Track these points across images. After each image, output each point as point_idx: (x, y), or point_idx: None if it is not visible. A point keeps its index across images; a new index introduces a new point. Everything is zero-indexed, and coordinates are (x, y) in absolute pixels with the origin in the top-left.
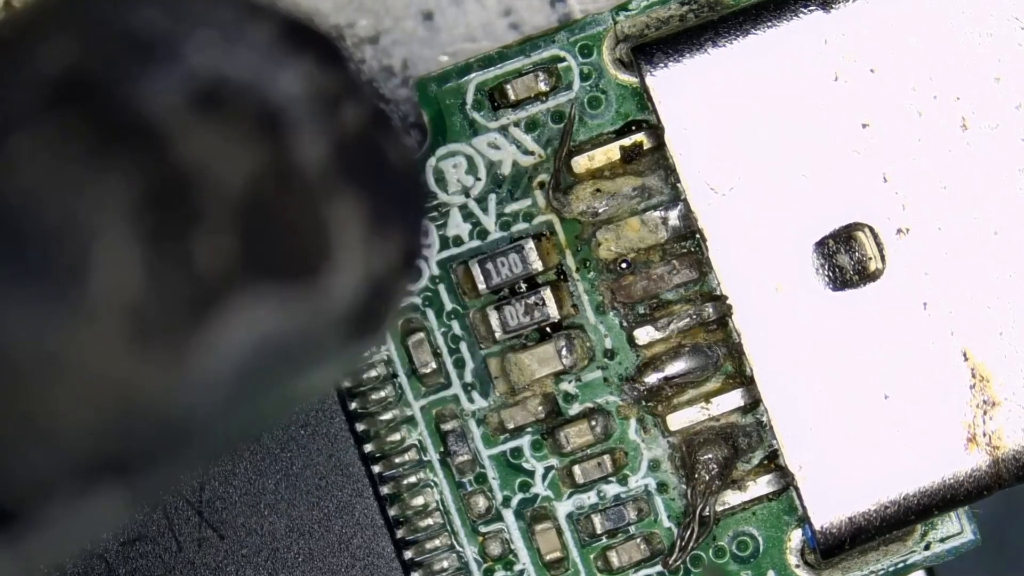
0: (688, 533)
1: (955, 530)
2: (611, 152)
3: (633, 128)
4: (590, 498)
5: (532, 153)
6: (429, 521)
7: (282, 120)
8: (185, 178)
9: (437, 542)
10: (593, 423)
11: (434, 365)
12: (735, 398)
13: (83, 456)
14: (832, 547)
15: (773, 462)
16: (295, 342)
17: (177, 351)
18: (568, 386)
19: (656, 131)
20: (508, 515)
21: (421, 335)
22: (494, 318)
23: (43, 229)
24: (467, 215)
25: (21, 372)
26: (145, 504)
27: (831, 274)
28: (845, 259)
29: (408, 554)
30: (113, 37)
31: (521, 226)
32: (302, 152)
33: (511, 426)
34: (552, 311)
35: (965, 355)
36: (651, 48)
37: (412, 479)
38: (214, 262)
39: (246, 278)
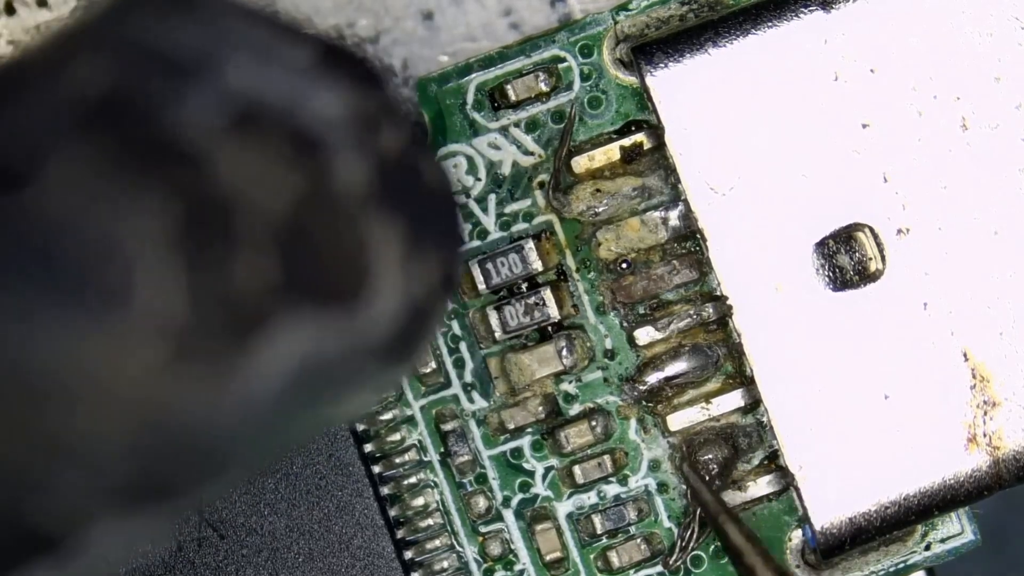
0: (688, 533)
1: (955, 530)
2: (611, 152)
3: (633, 128)
4: (590, 498)
5: (532, 153)
6: (429, 521)
7: (321, 143)
8: (225, 201)
9: (437, 542)
10: (593, 423)
11: (434, 365)
12: (735, 398)
13: (123, 479)
14: (832, 547)
15: (773, 462)
16: (334, 366)
17: (217, 374)
18: (568, 386)
19: (656, 131)
20: (508, 515)
21: None
22: (494, 318)
23: (84, 253)
24: (467, 215)
25: (63, 395)
26: (181, 519)
27: (831, 274)
28: (845, 259)
29: (408, 554)
30: (151, 58)
31: (521, 226)
32: (342, 175)
33: (511, 426)
34: (552, 311)
35: (965, 355)
36: (651, 48)
37: (412, 479)
38: (254, 285)
39: (287, 302)
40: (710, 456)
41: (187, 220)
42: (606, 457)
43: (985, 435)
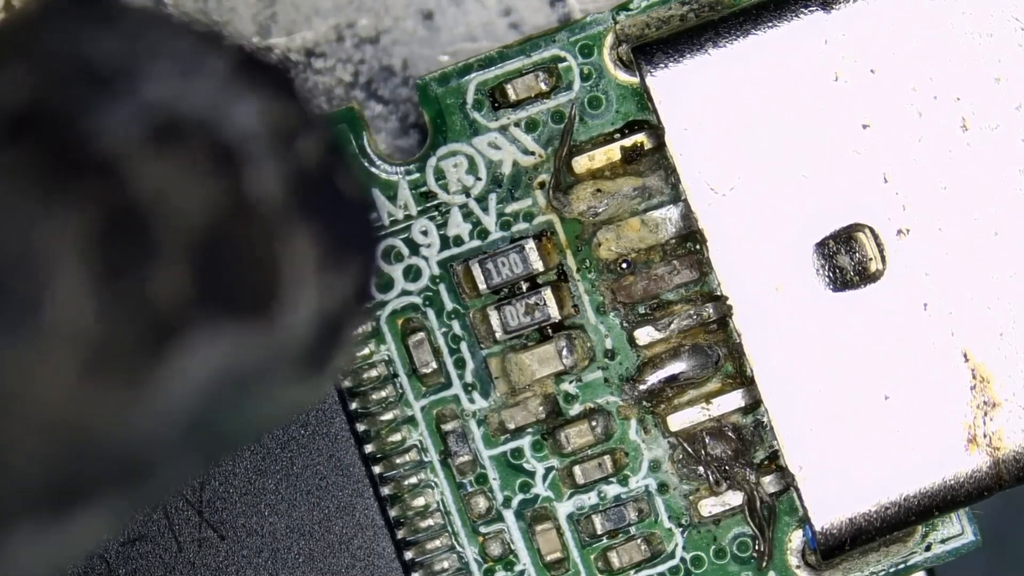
0: (758, 521)
1: (956, 531)
2: (611, 152)
3: (633, 128)
4: (591, 499)
5: (532, 153)
6: (429, 522)
7: (238, 154)
8: (141, 212)
9: (437, 543)
10: (594, 423)
11: (434, 365)
12: (735, 398)
13: (38, 487)
14: (833, 548)
15: (773, 463)
16: (250, 375)
17: (130, 385)
18: (569, 386)
19: (656, 131)
20: (508, 515)
21: (421, 335)
22: (494, 318)
23: None
24: (467, 215)
25: None
26: (120, 524)
27: (831, 275)
28: (845, 260)
29: (408, 555)
30: (70, 69)
31: (521, 226)
32: (257, 187)
33: (512, 426)
34: (553, 311)
35: (965, 356)
36: (651, 48)
37: (413, 480)
38: (169, 296)
39: (201, 312)
40: (719, 450)
41: (102, 232)
42: (606, 457)
43: (985, 436)
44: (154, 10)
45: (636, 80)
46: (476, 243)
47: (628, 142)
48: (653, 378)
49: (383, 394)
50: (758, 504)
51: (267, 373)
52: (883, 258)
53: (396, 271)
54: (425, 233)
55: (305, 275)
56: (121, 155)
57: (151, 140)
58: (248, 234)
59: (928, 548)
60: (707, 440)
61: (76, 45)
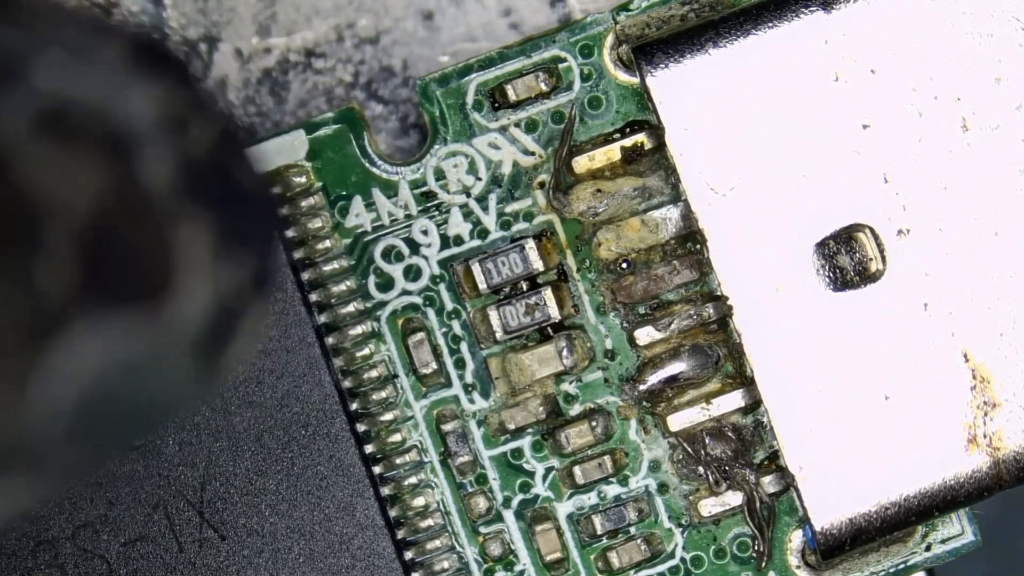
0: (757, 521)
1: (956, 531)
2: (611, 152)
3: (634, 128)
4: (590, 499)
5: (532, 153)
6: (430, 522)
7: (127, 142)
8: (26, 203)
9: (438, 543)
10: (594, 424)
11: (434, 365)
12: (735, 399)
13: None
14: (832, 548)
15: (773, 463)
16: (141, 364)
17: (13, 377)
18: (569, 387)
19: (656, 131)
20: (508, 516)
21: (421, 335)
22: (495, 318)
23: None
24: (467, 214)
25: None
26: (23, 512)
27: (832, 275)
28: (846, 260)
29: (409, 555)
30: None
31: (521, 226)
32: (147, 175)
33: (512, 427)
34: (553, 311)
35: (966, 356)
36: (652, 48)
37: (413, 480)
38: (54, 288)
39: (87, 304)
40: (719, 450)
41: None
42: (606, 458)
43: (985, 436)
44: None
45: (636, 80)
46: (476, 243)
47: (628, 142)
48: (653, 378)
49: (383, 394)
50: (758, 504)
51: (159, 363)
52: (883, 258)
53: (396, 271)
54: (425, 233)
55: (197, 264)
56: (7, 144)
57: (38, 129)
58: (138, 223)
59: (928, 548)
60: (707, 440)
61: None
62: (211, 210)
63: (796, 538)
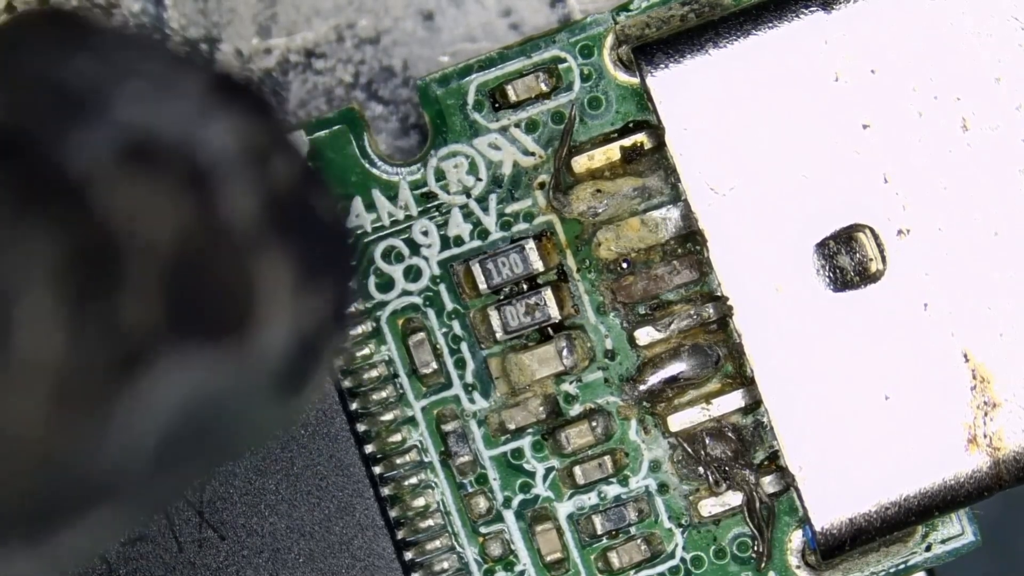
0: (757, 521)
1: (956, 531)
2: (611, 152)
3: (633, 128)
4: (591, 499)
5: (532, 153)
6: (430, 522)
7: (210, 176)
8: (110, 237)
9: (438, 543)
10: (594, 424)
11: (435, 365)
12: (735, 399)
13: (14, 512)
14: (832, 548)
15: (773, 463)
16: (223, 399)
17: (99, 412)
18: (569, 387)
19: (656, 131)
20: (509, 516)
21: (422, 335)
22: (495, 318)
23: None
24: (468, 215)
25: None
26: (108, 542)
27: (832, 275)
28: (846, 260)
29: (409, 555)
30: (41, 91)
31: (522, 226)
32: (230, 209)
33: (512, 427)
34: (553, 311)
35: (966, 356)
36: (652, 48)
37: (413, 480)
38: (138, 322)
39: (171, 337)
40: (719, 450)
41: (71, 257)
42: (606, 458)
43: (985, 436)
44: (128, 31)
45: (636, 80)
46: (476, 243)
47: (628, 142)
48: (653, 378)
49: (383, 394)
50: (758, 504)
51: (242, 396)
52: (883, 258)
53: (397, 271)
54: (426, 233)
55: (279, 297)
56: (91, 179)
57: (122, 163)
58: (221, 257)
59: (928, 548)
60: (707, 440)
61: (48, 66)
62: (291, 243)
63: (796, 538)
